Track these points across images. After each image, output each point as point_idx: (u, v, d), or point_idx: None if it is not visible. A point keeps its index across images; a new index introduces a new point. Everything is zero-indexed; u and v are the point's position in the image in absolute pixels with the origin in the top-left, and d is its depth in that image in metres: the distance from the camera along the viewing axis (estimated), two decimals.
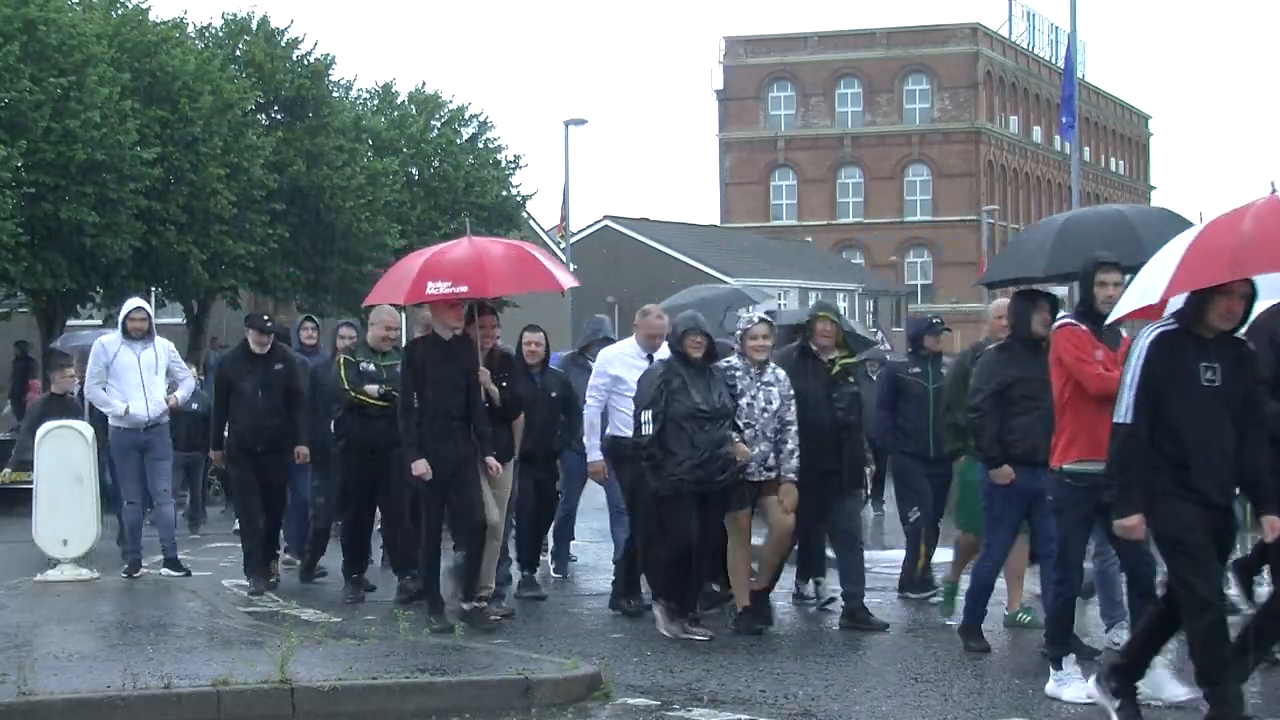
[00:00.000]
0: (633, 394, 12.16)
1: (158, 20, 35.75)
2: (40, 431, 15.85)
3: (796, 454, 11.74)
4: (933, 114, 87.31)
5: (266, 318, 14.88)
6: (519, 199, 48.06)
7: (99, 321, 37.80)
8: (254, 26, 40.09)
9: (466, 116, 47.19)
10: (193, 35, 38.55)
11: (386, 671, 9.61)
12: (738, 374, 11.78)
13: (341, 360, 13.64)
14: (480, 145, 47.14)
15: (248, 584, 14.19)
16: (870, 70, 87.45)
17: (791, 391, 11.83)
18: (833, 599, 12.59)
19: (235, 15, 40.38)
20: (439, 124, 46.45)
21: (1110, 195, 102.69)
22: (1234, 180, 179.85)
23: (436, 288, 11.72)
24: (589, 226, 69.81)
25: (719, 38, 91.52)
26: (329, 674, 9.41)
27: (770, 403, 11.74)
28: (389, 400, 13.08)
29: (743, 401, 11.68)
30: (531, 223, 54.70)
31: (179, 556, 15.14)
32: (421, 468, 11.75)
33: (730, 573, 12.16)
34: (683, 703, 9.38)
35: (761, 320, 12.01)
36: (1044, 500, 10.12)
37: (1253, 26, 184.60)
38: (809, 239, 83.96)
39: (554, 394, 13.99)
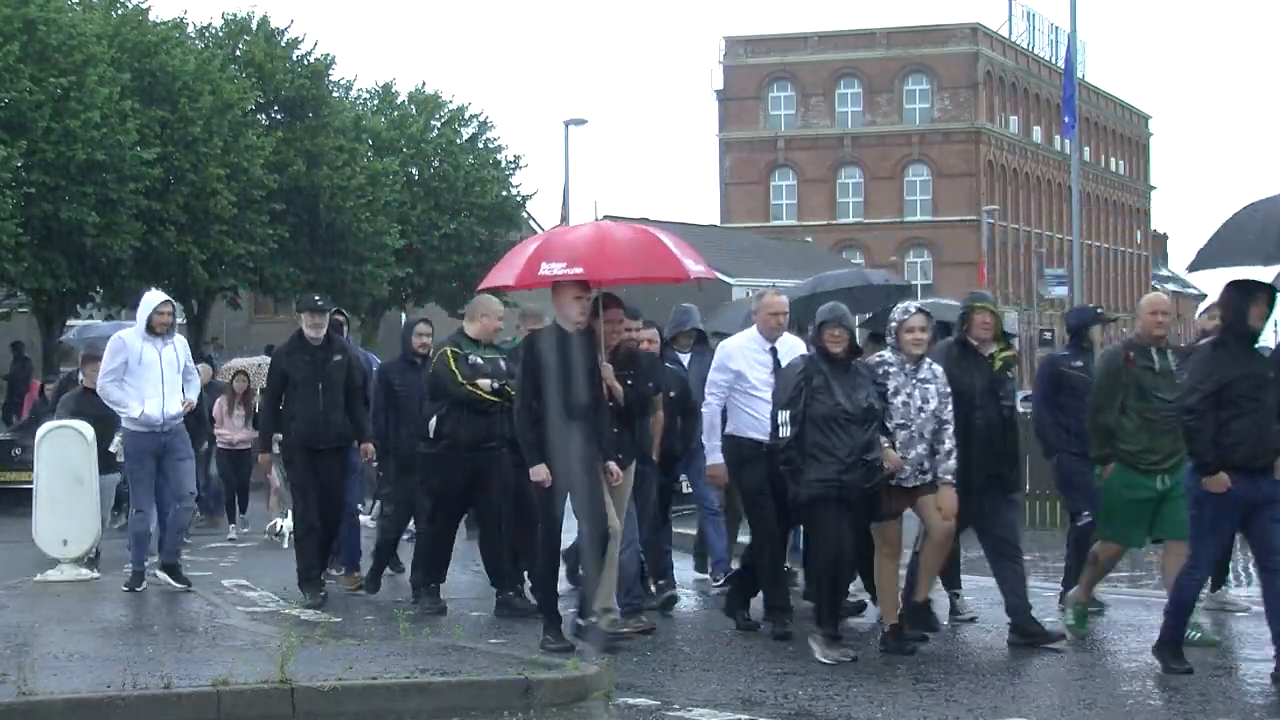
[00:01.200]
0: (756, 391, 11.49)
1: (158, 20, 35.80)
2: (40, 431, 15.85)
3: (953, 455, 10.89)
4: (933, 114, 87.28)
5: (318, 298, 13.98)
6: (519, 199, 48.09)
7: (99, 321, 37.86)
8: (254, 26, 40.13)
9: (466, 116, 47.23)
10: (193, 35, 38.60)
11: (386, 671, 9.61)
12: (891, 370, 10.87)
13: (450, 353, 12.54)
14: (480, 145, 47.18)
15: (303, 597, 13.29)
16: (870, 70, 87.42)
17: (948, 389, 10.94)
18: (974, 618, 11.97)
19: (235, 15, 40.48)
20: (439, 124, 46.49)
21: (1110, 195, 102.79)
22: (1234, 180, 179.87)
23: (550, 269, 10.81)
24: None
25: (719, 38, 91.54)
26: (329, 674, 9.41)
27: (927, 401, 10.86)
28: (502, 395, 12.28)
29: (897, 400, 10.80)
30: (531, 223, 54.70)
31: (178, 562, 14.20)
32: (542, 473, 10.76)
33: (879, 591, 11.15)
34: (683, 703, 9.37)
35: (919, 311, 11.03)
36: (1263, 510, 9.71)
37: (1253, 26, 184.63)
38: (809, 239, 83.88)
39: (672, 393, 12.92)
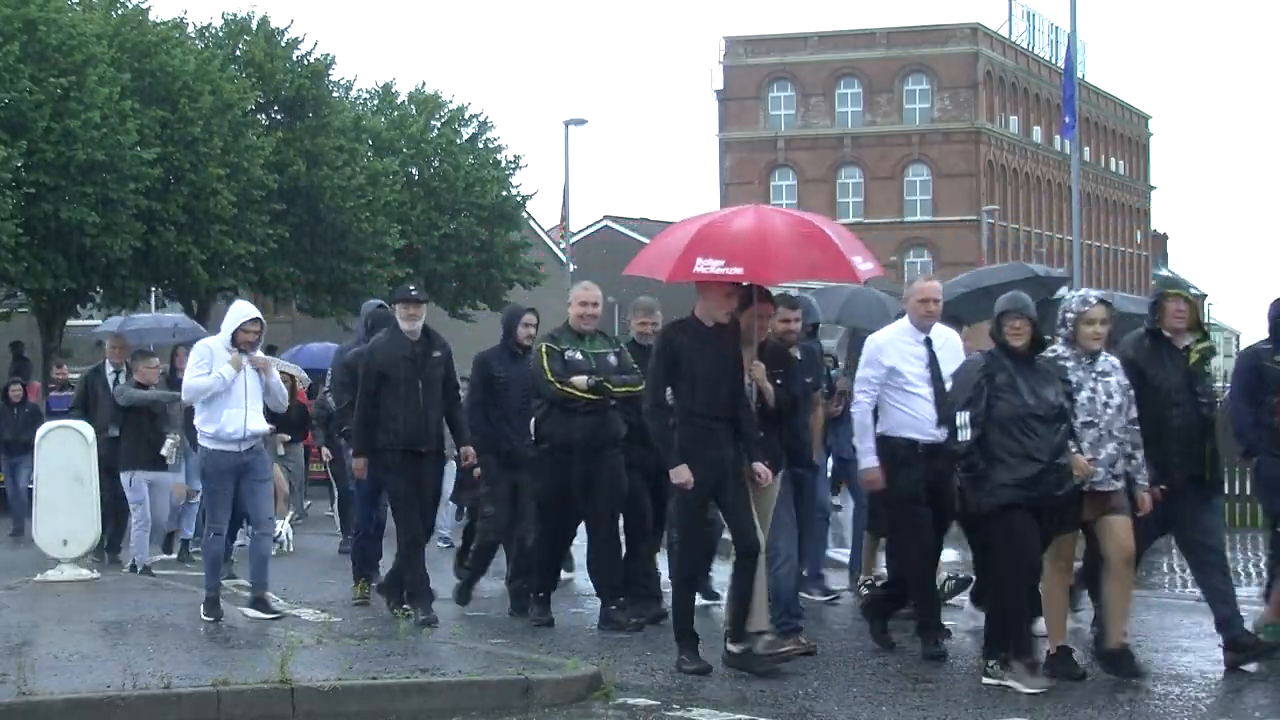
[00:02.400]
0: (911, 387, 10.69)
1: (158, 20, 35.79)
2: (40, 432, 15.86)
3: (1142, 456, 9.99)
4: (933, 114, 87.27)
5: (413, 288, 12.86)
6: (519, 199, 48.08)
7: (99, 321, 37.85)
8: (254, 26, 40.12)
9: (466, 116, 47.22)
10: (193, 35, 38.59)
11: (386, 671, 9.61)
12: (1068, 364, 9.98)
13: (544, 349, 11.85)
14: (480, 145, 47.16)
15: (417, 613, 12.10)
16: (870, 70, 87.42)
17: (1128, 382, 10.04)
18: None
19: (235, 15, 40.45)
20: (439, 124, 46.47)
21: (1110, 195, 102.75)
22: (1234, 180, 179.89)
23: (706, 266, 9.95)
24: (589, 226, 69.81)
25: (719, 38, 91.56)
26: (329, 674, 9.41)
27: (1110, 396, 9.94)
28: (600, 394, 11.68)
29: (1081, 396, 9.88)
30: (531, 223, 54.71)
31: (266, 595, 12.78)
32: (684, 475, 9.99)
33: (1046, 608, 10.09)
34: (683, 703, 9.37)
35: (1100, 301, 10.08)
36: None
37: (1253, 26, 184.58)
38: None
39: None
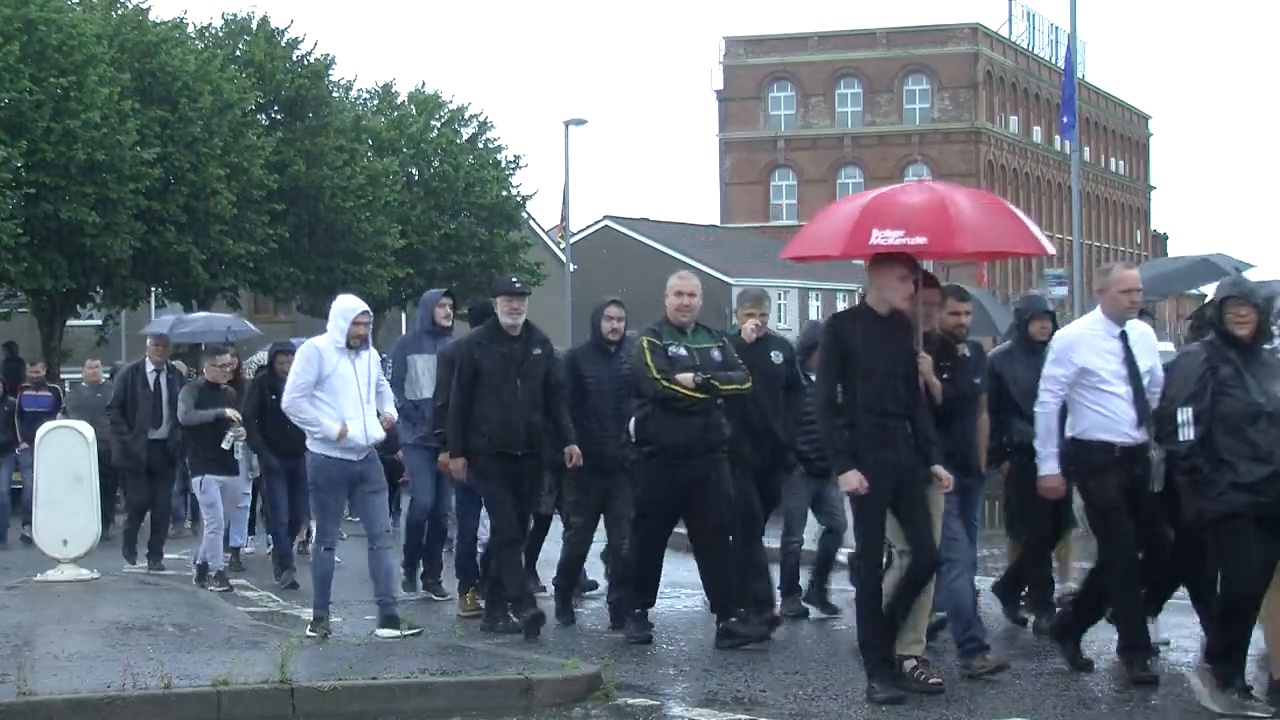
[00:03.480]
0: (1106, 385, 9.72)
1: (158, 20, 35.78)
2: (40, 432, 15.86)
3: None
4: (933, 114, 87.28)
5: (516, 280, 12.16)
6: (519, 199, 48.10)
7: (99, 321, 37.85)
8: (254, 26, 40.14)
9: (466, 116, 47.25)
10: (193, 35, 38.60)
11: (386, 671, 9.61)
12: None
13: (645, 344, 11.05)
14: (480, 145, 47.19)
15: (509, 623, 11.75)
16: (870, 70, 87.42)
17: None
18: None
19: (235, 15, 40.48)
20: (439, 124, 46.50)
21: (1110, 195, 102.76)
22: (1234, 180, 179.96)
23: (884, 237, 9.10)
24: (589, 226, 69.83)
25: (719, 38, 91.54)
26: (329, 674, 9.41)
27: None
28: (708, 392, 10.94)
29: None
30: (531, 223, 54.71)
31: (396, 613, 11.73)
32: (853, 480, 9.21)
33: (1270, 631, 9.24)
34: (683, 703, 9.37)
35: None
36: None
37: (1253, 26, 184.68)
38: None
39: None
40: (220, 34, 40.03)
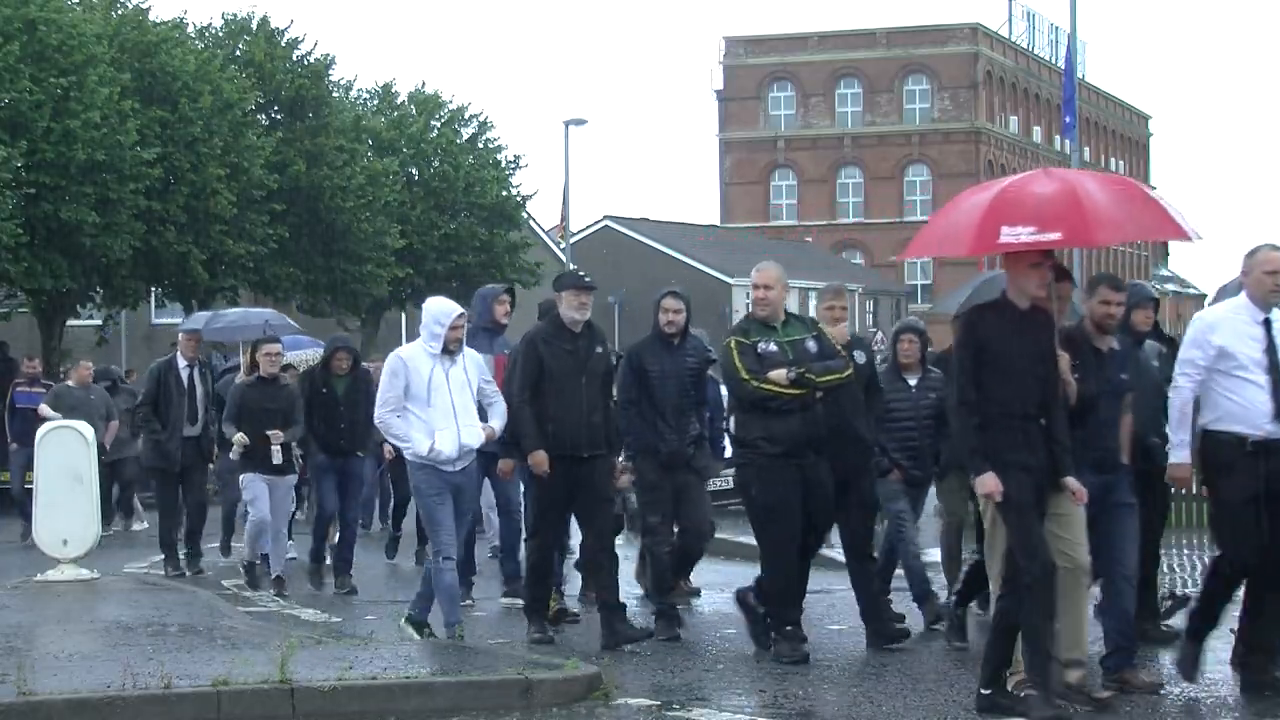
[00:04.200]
0: (1245, 372, 9.21)
1: (158, 20, 35.77)
2: (40, 432, 15.84)
3: None
4: (933, 114, 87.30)
5: (584, 274, 11.72)
6: (519, 199, 48.09)
7: (99, 321, 37.86)
8: (254, 26, 40.13)
9: (466, 116, 47.23)
10: (193, 35, 38.58)
11: (386, 671, 9.61)
12: None
13: (733, 344, 10.51)
14: (480, 145, 47.18)
15: (531, 632, 11.41)
16: (870, 70, 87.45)
17: None
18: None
19: (235, 15, 40.45)
20: (439, 124, 46.49)
21: None
22: (1234, 180, 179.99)
23: (1015, 235, 8.46)
24: (589, 226, 69.82)
25: (719, 38, 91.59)
26: (329, 674, 9.41)
27: None
28: (804, 387, 10.37)
29: None
30: (531, 223, 54.70)
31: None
32: (990, 484, 8.56)
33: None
34: (683, 703, 9.37)
35: None
36: None
37: (1253, 26, 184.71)
38: (809, 239, 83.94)
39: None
40: (220, 34, 40.02)
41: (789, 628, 10.57)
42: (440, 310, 11.06)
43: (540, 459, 11.11)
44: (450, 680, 9.63)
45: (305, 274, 38.64)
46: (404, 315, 48.00)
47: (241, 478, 14.79)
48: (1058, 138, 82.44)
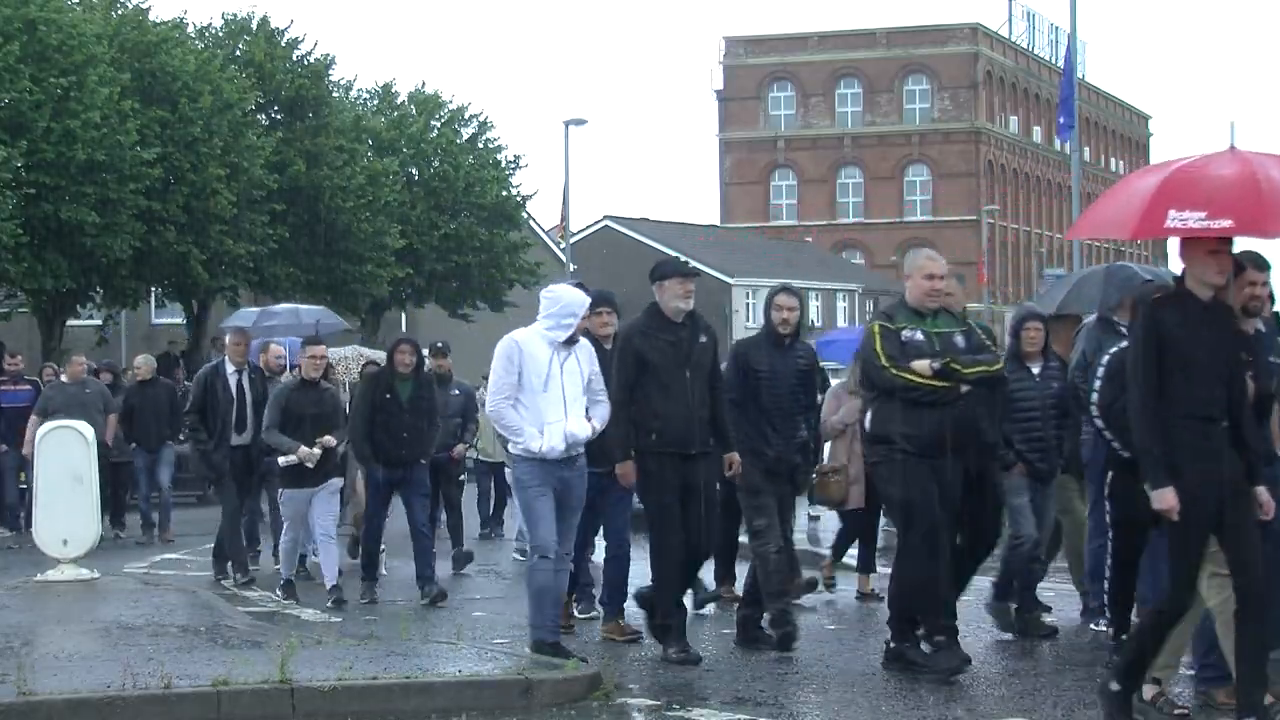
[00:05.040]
0: None
1: (158, 20, 35.80)
2: (40, 432, 15.82)
3: None
4: (933, 114, 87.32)
5: (688, 260, 11.03)
6: (519, 199, 48.09)
7: (99, 321, 37.88)
8: (254, 26, 40.14)
9: (466, 116, 47.24)
10: (193, 35, 38.60)
11: (386, 671, 9.60)
12: None
13: (876, 329, 9.89)
14: (480, 145, 47.18)
15: (671, 653, 10.53)
16: (870, 70, 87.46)
17: None
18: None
19: (235, 15, 40.48)
20: (439, 124, 46.49)
21: None
22: None
23: (1182, 220, 7.80)
24: (589, 226, 69.83)
25: (719, 38, 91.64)
26: (329, 674, 9.40)
27: None
28: (948, 378, 9.72)
29: None
30: (531, 223, 54.71)
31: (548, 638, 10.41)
32: (1169, 499, 7.75)
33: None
34: (683, 703, 9.36)
35: None
36: None
37: (1253, 27, 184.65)
38: (809, 239, 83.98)
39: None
40: (220, 34, 40.03)
41: (941, 637, 9.77)
42: (575, 300, 10.34)
43: (627, 470, 10.63)
44: (450, 680, 9.63)
45: (305, 274, 38.65)
46: (404, 315, 48.00)
47: (281, 493, 13.96)
48: (1057, 138, 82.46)
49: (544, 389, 10.15)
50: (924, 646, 10.00)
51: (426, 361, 14.89)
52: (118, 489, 20.33)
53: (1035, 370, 11.39)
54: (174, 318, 43.00)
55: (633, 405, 10.56)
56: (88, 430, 15.53)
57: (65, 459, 15.22)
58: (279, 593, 13.89)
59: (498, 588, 14.28)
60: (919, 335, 9.82)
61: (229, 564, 15.23)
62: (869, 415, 10.03)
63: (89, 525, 15.18)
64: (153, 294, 39.74)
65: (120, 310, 37.70)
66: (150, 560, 17.03)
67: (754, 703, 9.34)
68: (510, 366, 10.19)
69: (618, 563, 11.74)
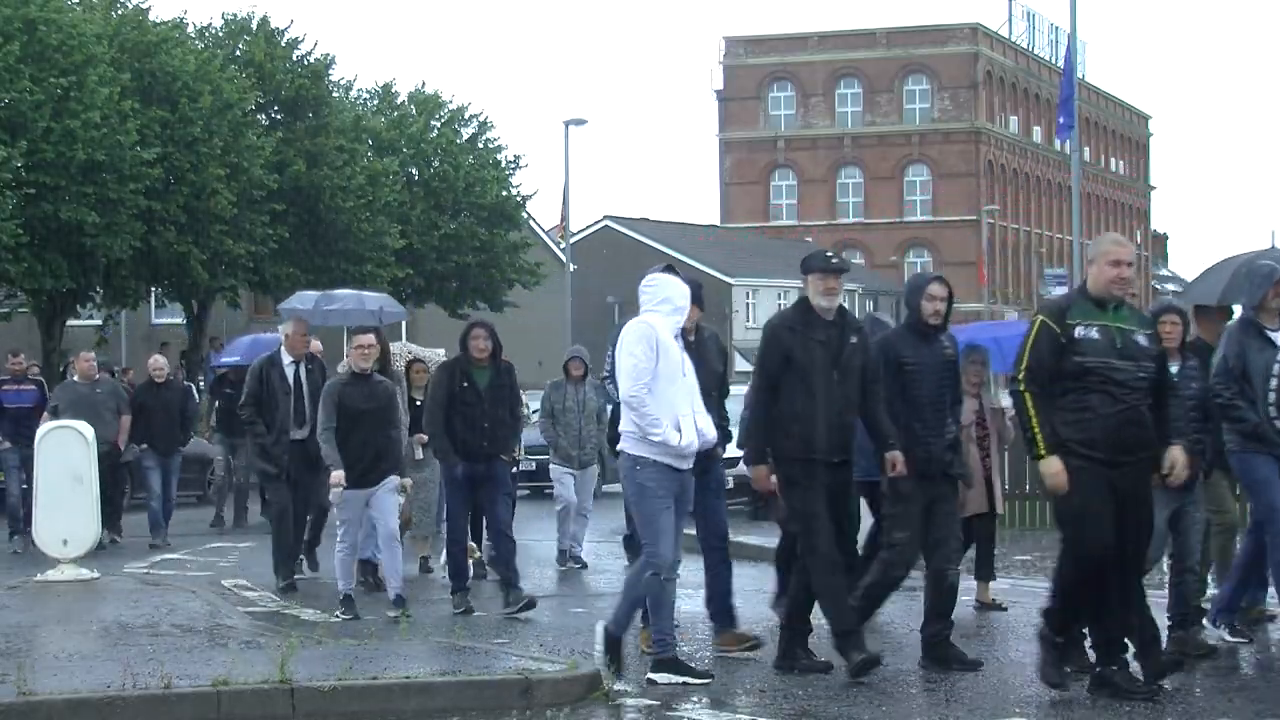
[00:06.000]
0: None
1: (158, 20, 35.80)
2: (40, 432, 15.83)
3: None
4: (933, 114, 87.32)
5: (832, 254, 10.24)
6: (519, 199, 48.08)
7: (99, 321, 37.88)
8: (254, 26, 40.13)
9: (466, 116, 47.23)
10: (193, 35, 38.60)
11: (386, 671, 9.60)
12: None
13: (1039, 322, 9.08)
14: (480, 145, 47.17)
15: (853, 658, 9.84)
16: (870, 70, 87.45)
17: None
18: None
19: (235, 15, 40.46)
20: (439, 124, 46.48)
21: (1110, 195, 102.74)
22: (1234, 180, 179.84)
23: None
24: (589, 226, 69.85)
25: (719, 38, 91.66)
26: (329, 674, 9.40)
27: None
28: (1130, 386, 8.86)
29: None
30: (531, 223, 54.71)
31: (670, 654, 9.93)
32: None
33: None
34: (683, 703, 9.36)
35: None
36: None
37: (1253, 26, 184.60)
38: (809, 239, 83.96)
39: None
40: (220, 34, 40.02)
41: (1115, 665, 9.06)
42: (680, 291, 9.82)
43: (761, 475, 9.92)
44: (450, 680, 9.62)
45: (305, 274, 38.64)
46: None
47: (334, 494, 12.75)
48: (1057, 138, 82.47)
49: (681, 377, 9.57)
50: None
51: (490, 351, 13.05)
52: (115, 493, 19.10)
53: (1174, 368, 10.11)
54: (174, 318, 43.00)
55: (774, 404, 9.85)
56: (87, 430, 15.52)
57: (65, 459, 15.22)
58: (340, 611, 12.47)
59: (497, 588, 14.20)
60: (1094, 332, 8.85)
61: (292, 563, 14.41)
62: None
63: (89, 525, 15.18)
64: (153, 294, 39.75)
65: (120, 310, 37.70)
66: (150, 560, 17.03)
67: (754, 703, 9.33)
68: (650, 353, 9.48)
69: (725, 570, 10.94)
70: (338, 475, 12.49)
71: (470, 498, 12.93)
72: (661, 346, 9.50)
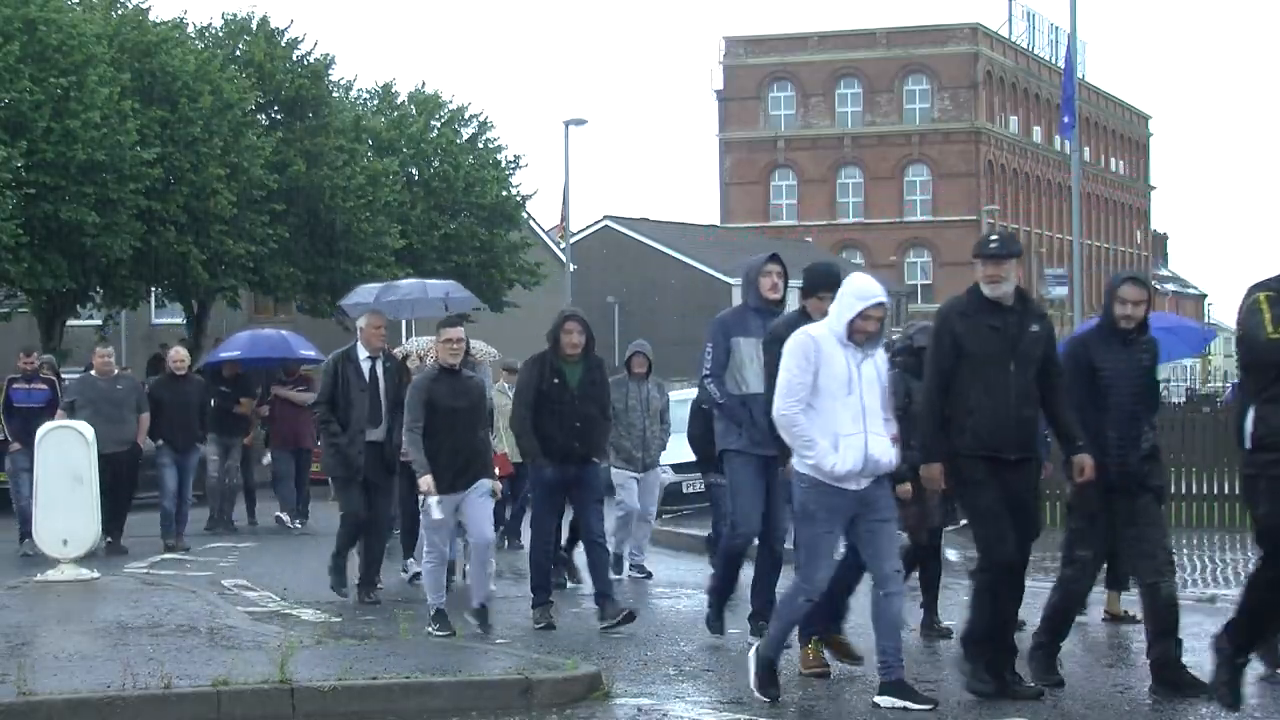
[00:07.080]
0: None
1: (158, 20, 35.78)
2: (40, 432, 15.81)
3: None
4: (933, 114, 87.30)
5: (994, 240, 9.52)
6: (519, 199, 48.07)
7: (99, 321, 37.86)
8: (254, 26, 40.12)
9: (466, 116, 47.22)
10: (193, 35, 38.58)
11: (386, 671, 9.60)
12: None
13: (1263, 298, 8.06)
14: (480, 145, 47.16)
15: (970, 674, 9.36)
16: (870, 70, 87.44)
17: None
18: None
19: (235, 15, 40.43)
20: (439, 124, 46.47)
21: (1110, 195, 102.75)
22: (1233, 180, 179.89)
23: None
24: (589, 226, 69.82)
25: (719, 38, 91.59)
26: (329, 674, 9.41)
27: None
28: None
29: None
30: (531, 223, 54.72)
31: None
32: None
33: None
34: (683, 703, 9.36)
35: None
36: None
37: (1253, 26, 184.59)
38: (809, 239, 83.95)
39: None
40: (220, 34, 40.01)
41: (1253, 668, 8.78)
42: (860, 289, 9.03)
43: (934, 473, 9.29)
44: (450, 680, 9.63)
45: (305, 274, 38.65)
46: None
47: (424, 502, 11.78)
48: (1058, 138, 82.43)
49: (845, 394, 8.86)
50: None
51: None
52: (126, 496, 18.16)
53: None
54: (174, 318, 42.97)
55: (947, 398, 9.21)
56: (87, 430, 15.51)
57: (65, 459, 15.22)
58: (434, 627, 11.60)
59: (497, 588, 14.20)
60: None
61: (374, 571, 13.72)
62: (1251, 415, 8.20)
63: (89, 525, 15.19)
64: (153, 294, 39.72)
65: (120, 310, 37.68)
66: (150, 560, 17.02)
67: (754, 703, 9.32)
68: (806, 365, 8.88)
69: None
70: (427, 481, 11.57)
71: (560, 503, 12.24)
72: (823, 359, 8.87)
